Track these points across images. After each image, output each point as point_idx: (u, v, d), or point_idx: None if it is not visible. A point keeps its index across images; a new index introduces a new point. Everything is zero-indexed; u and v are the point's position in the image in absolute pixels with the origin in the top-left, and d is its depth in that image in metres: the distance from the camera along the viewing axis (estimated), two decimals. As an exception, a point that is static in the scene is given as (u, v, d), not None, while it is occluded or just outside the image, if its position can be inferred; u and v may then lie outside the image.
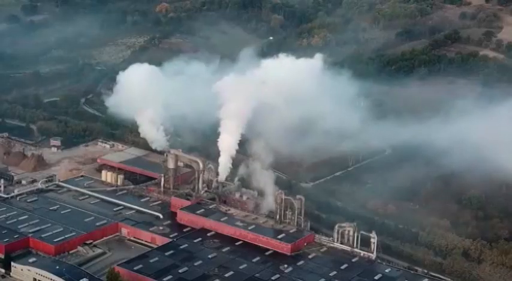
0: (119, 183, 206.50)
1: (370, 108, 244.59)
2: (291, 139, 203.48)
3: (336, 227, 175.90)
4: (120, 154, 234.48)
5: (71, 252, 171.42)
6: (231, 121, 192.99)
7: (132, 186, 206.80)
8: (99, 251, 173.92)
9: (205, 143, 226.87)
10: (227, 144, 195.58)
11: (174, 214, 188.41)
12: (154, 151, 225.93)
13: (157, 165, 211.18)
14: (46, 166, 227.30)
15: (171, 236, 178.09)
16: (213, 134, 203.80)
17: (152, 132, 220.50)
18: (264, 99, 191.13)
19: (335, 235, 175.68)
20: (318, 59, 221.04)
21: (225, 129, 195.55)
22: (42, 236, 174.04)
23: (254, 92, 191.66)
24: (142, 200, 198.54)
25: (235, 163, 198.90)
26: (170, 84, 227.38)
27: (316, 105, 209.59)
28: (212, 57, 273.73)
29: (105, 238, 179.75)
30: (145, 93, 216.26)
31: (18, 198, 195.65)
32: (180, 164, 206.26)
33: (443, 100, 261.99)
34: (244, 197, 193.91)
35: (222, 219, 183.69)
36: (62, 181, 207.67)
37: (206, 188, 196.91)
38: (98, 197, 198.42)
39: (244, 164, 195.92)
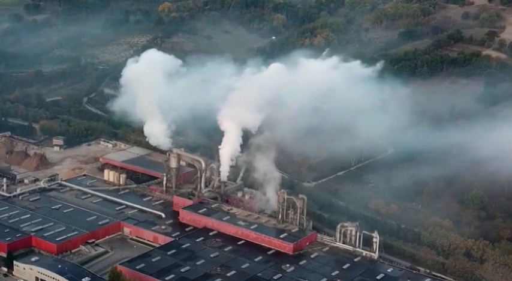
0: (121, 182, 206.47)
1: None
2: (299, 138, 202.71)
3: (338, 226, 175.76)
4: (122, 153, 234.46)
5: (73, 251, 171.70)
6: (234, 117, 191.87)
7: (134, 185, 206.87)
8: (101, 250, 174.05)
9: (208, 142, 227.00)
10: (230, 141, 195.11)
11: (177, 213, 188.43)
12: (157, 150, 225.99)
13: (160, 164, 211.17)
14: (48, 165, 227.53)
15: (173, 235, 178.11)
16: (215, 133, 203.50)
17: (154, 124, 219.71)
18: (280, 96, 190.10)
19: (337, 235, 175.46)
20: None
21: (228, 126, 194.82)
22: (45, 235, 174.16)
23: (268, 86, 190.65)
24: (144, 199, 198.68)
25: (238, 162, 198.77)
26: (182, 82, 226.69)
27: (347, 110, 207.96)
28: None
29: (107, 237, 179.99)
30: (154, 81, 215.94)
31: (20, 197, 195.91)
32: (183, 163, 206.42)
33: (446, 100, 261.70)
34: (247, 197, 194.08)
35: (224, 218, 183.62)
36: (64, 180, 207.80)
37: (209, 188, 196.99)
38: (100, 196, 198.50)
39: (247, 154, 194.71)
